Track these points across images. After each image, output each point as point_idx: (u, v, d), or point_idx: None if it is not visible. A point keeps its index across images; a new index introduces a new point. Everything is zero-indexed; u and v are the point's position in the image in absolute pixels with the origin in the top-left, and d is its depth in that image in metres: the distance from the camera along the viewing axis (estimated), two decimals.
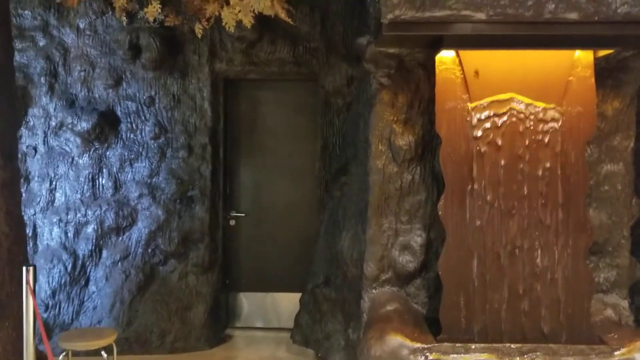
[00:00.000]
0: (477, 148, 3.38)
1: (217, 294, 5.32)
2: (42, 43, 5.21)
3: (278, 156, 5.52)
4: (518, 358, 3.18)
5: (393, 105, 3.73)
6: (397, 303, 3.71)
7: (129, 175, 5.20)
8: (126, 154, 5.20)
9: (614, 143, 3.72)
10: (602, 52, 3.41)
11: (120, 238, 5.16)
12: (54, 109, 5.20)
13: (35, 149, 5.25)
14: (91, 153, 5.20)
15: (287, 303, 5.40)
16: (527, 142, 3.37)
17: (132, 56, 5.08)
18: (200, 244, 5.17)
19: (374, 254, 3.77)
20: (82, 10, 5.12)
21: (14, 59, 3.89)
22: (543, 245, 3.37)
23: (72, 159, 5.22)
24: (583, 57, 3.37)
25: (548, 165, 3.37)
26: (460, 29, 3.08)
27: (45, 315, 5.07)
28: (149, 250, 5.13)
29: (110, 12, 5.06)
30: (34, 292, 3.31)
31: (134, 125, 5.20)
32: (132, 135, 5.20)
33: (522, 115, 3.38)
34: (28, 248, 4.43)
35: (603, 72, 3.56)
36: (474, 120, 3.39)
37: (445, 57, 3.38)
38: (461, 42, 3.27)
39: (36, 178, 5.26)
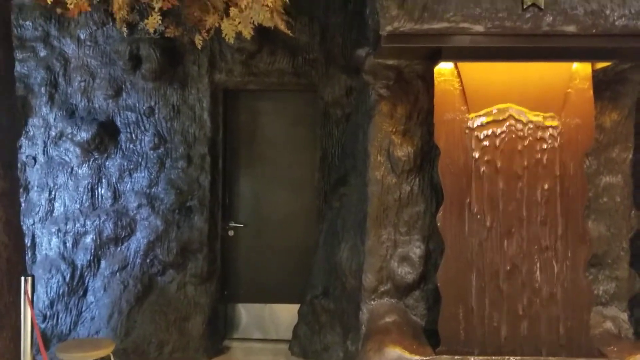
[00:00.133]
0: (476, 159, 3.38)
1: (216, 305, 5.30)
2: (42, 53, 5.24)
3: (277, 167, 5.52)
4: None
5: (392, 116, 3.74)
6: (395, 315, 3.70)
7: (128, 186, 5.20)
8: (125, 164, 5.20)
9: (613, 155, 3.72)
10: (600, 65, 3.42)
11: (119, 248, 5.16)
12: (54, 119, 5.22)
13: (34, 158, 5.26)
14: (90, 163, 5.21)
15: (286, 314, 5.38)
16: (525, 154, 3.38)
17: (132, 67, 5.10)
18: (198, 254, 5.16)
19: (373, 265, 3.77)
20: (83, 21, 5.15)
21: (14, 69, 3.90)
22: (542, 257, 3.37)
23: (72, 169, 5.22)
24: (581, 70, 3.38)
25: (546, 177, 3.37)
26: (458, 41, 3.10)
27: (43, 326, 5.05)
28: (148, 261, 5.12)
29: (111, 23, 5.09)
30: (32, 302, 3.29)
31: (133, 135, 5.21)
32: (131, 146, 5.21)
33: (520, 127, 3.38)
34: (27, 258, 4.42)
35: (601, 84, 3.57)
36: (473, 132, 3.39)
37: (444, 68, 3.40)
38: (459, 54, 3.28)
39: (35, 188, 5.26)
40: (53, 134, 5.22)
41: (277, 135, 5.51)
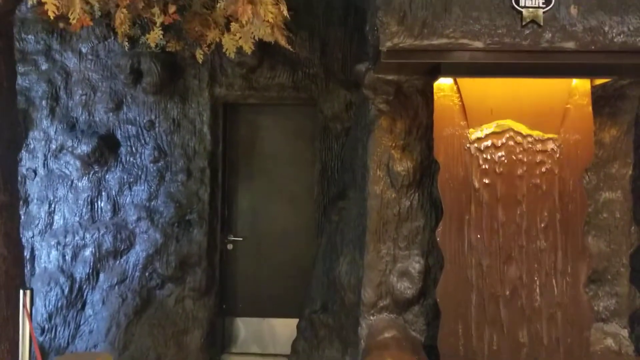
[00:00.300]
0: (476, 174, 3.39)
1: (214, 319, 5.27)
2: (44, 67, 5.26)
3: (276, 180, 5.52)
4: None
5: (391, 131, 3.75)
6: (395, 330, 3.68)
7: (128, 199, 5.20)
8: (125, 177, 5.21)
9: (612, 171, 3.73)
10: (599, 81, 3.44)
11: (118, 261, 5.14)
12: (55, 132, 5.23)
13: (35, 171, 5.26)
14: (90, 176, 5.21)
15: (284, 329, 5.35)
16: (525, 169, 3.38)
17: (133, 80, 5.13)
18: (197, 268, 5.15)
19: (372, 280, 3.76)
20: (85, 35, 5.17)
21: (16, 82, 3.92)
22: (542, 273, 3.36)
23: (72, 181, 5.23)
24: (580, 85, 3.40)
25: (546, 193, 3.38)
26: (458, 57, 3.11)
27: (41, 339, 5.02)
28: (146, 274, 5.11)
29: (113, 37, 5.12)
30: (30, 315, 3.28)
31: (133, 148, 5.22)
32: (131, 159, 5.21)
33: (519, 142, 3.39)
34: (25, 271, 4.41)
35: (600, 100, 3.58)
36: (473, 147, 3.40)
37: (444, 84, 3.41)
38: (459, 70, 3.29)
39: (35, 200, 5.26)
40: (53, 146, 5.23)
41: (276, 149, 5.52)
